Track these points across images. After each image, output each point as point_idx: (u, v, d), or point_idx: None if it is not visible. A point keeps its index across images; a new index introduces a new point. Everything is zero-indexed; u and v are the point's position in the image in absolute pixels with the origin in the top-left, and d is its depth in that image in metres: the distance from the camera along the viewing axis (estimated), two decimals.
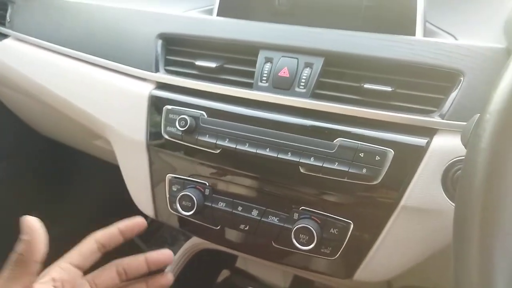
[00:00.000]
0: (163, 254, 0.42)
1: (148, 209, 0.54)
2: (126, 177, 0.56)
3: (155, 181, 0.52)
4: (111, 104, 0.55)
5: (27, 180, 1.19)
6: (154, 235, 1.44)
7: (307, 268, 0.45)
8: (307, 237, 0.40)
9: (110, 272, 0.40)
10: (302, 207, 0.43)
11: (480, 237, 0.24)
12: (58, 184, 1.28)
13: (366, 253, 0.41)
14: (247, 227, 0.45)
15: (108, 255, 0.39)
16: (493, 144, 0.23)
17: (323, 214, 0.42)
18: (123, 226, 0.41)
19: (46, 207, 1.26)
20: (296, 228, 0.41)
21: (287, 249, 0.44)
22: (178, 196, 0.47)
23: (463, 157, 0.26)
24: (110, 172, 1.25)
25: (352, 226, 0.41)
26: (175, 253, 1.37)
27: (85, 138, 0.90)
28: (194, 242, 0.67)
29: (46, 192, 1.25)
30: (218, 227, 0.48)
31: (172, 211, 0.50)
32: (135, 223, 0.41)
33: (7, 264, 0.31)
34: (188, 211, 0.47)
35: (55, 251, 1.22)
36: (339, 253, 0.42)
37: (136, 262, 0.41)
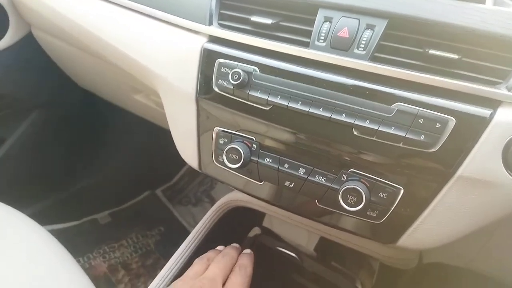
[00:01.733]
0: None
1: (193, 160, 0.55)
2: (173, 128, 0.57)
3: (202, 133, 0.52)
4: (162, 55, 0.55)
5: (60, 129, 1.22)
6: (178, 195, 1.48)
7: (349, 229, 0.45)
8: (355, 199, 0.40)
9: None
10: (351, 169, 0.43)
11: None
12: (90, 135, 1.32)
13: (413, 221, 0.41)
14: (292, 185, 0.46)
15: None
16: None
17: (372, 177, 0.41)
18: None
19: (77, 157, 1.31)
20: (345, 189, 0.41)
21: (331, 209, 0.44)
22: (225, 149, 0.48)
23: None
24: (143, 127, 1.28)
25: (402, 192, 0.40)
26: (200, 213, 1.40)
27: (125, 92, 0.92)
28: (227, 200, 0.68)
29: (78, 142, 1.29)
30: (262, 183, 0.49)
31: (217, 164, 0.51)
32: None
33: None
34: (234, 164, 0.47)
35: (87, 200, 1.25)
36: (385, 217, 0.41)
37: None
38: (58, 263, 0.75)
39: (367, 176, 0.42)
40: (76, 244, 1.26)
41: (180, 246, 0.69)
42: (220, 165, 0.51)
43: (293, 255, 0.65)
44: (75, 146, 1.29)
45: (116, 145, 1.38)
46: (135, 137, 1.39)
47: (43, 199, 1.26)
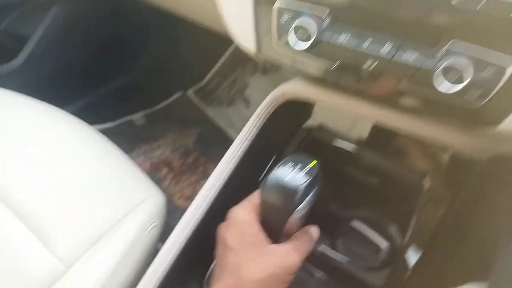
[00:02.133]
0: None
1: (249, 43, 0.48)
2: (224, 5, 0.49)
3: (260, 9, 0.44)
4: None
5: (84, 27, 1.15)
6: (211, 95, 1.44)
7: (440, 114, 0.39)
8: (455, 77, 0.34)
9: None
10: (451, 42, 0.35)
11: None
12: (117, 34, 1.24)
13: None
14: (375, 65, 0.39)
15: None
16: None
17: (478, 50, 0.34)
18: None
19: (105, 56, 1.25)
20: (444, 67, 0.34)
21: (421, 92, 0.39)
22: (291, 27, 0.40)
23: None
24: (172, 26, 1.18)
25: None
26: (234, 114, 1.37)
27: None
28: (280, 93, 0.63)
29: (105, 41, 1.22)
30: (335, 65, 0.42)
31: (280, 45, 0.44)
32: None
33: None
34: (301, 45, 0.41)
35: (120, 102, 1.21)
36: (489, 98, 0.35)
37: None
38: (113, 156, 0.76)
39: (470, 50, 0.35)
40: (116, 143, 1.28)
41: (233, 144, 0.66)
42: (283, 47, 0.44)
43: (351, 149, 0.62)
44: (102, 45, 1.22)
45: (143, 45, 1.30)
46: (163, 37, 1.30)
47: (75, 101, 1.25)
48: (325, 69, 0.43)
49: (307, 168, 0.40)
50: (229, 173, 0.64)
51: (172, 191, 1.14)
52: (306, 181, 0.39)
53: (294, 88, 0.62)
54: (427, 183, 0.56)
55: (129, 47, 1.28)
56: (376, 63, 0.39)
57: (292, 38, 0.41)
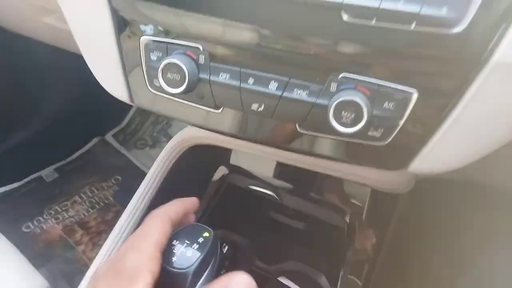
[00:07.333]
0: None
1: (120, 91, 0.40)
2: (84, 49, 0.41)
3: (126, 48, 0.37)
4: None
5: None
6: (132, 138, 1.32)
7: (343, 158, 0.34)
8: (352, 115, 0.29)
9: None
10: (343, 74, 0.30)
11: None
12: (13, 79, 1.09)
13: (431, 136, 0.30)
14: (262, 107, 0.33)
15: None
16: None
17: (374, 81, 0.29)
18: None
19: (4, 107, 1.09)
20: (337, 103, 0.29)
21: (318, 134, 0.33)
22: (161, 66, 0.33)
23: None
24: (74, 63, 1.06)
25: (415, 96, 0.29)
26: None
27: (32, 15, 0.71)
28: (181, 138, 0.55)
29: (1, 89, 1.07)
30: (220, 110, 0.35)
31: (154, 90, 0.37)
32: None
33: None
34: (176, 87, 0.33)
35: (27, 157, 1.04)
36: (393, 136, 0.30)
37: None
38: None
39: (366, 81, 0.29)
40: (23, 207, 1.11)
41: (133, 198, 0.57)
42: (157, 92, 0.37)
43: (270, 192, 0.55)
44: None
45: (48, 89, 1.16)
46: (68, 76, 1.17)
47: None
48: (210, 116, 0.36)
49: (198, 242, 0.33)
50: (130, 232, 0.54)
51: (89, 257, 0.98)
52: (196, 260, 0.32)
53: (197, 132, 0.55)
54: (350, 223, 0.50)
55: (31, 93, 1.13)
56: (264, 103, 0.33)
57: (163, 80, 0.34)
